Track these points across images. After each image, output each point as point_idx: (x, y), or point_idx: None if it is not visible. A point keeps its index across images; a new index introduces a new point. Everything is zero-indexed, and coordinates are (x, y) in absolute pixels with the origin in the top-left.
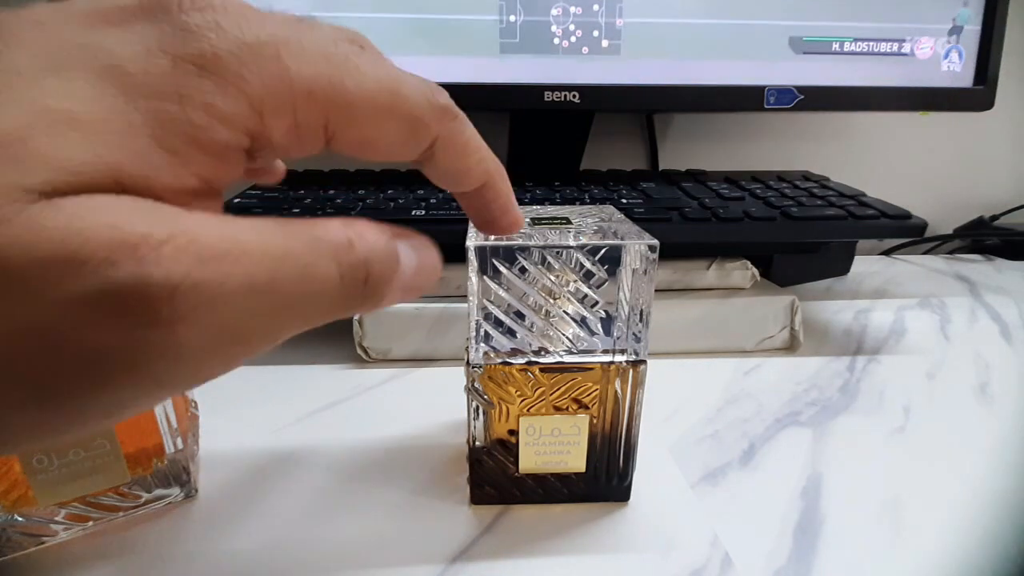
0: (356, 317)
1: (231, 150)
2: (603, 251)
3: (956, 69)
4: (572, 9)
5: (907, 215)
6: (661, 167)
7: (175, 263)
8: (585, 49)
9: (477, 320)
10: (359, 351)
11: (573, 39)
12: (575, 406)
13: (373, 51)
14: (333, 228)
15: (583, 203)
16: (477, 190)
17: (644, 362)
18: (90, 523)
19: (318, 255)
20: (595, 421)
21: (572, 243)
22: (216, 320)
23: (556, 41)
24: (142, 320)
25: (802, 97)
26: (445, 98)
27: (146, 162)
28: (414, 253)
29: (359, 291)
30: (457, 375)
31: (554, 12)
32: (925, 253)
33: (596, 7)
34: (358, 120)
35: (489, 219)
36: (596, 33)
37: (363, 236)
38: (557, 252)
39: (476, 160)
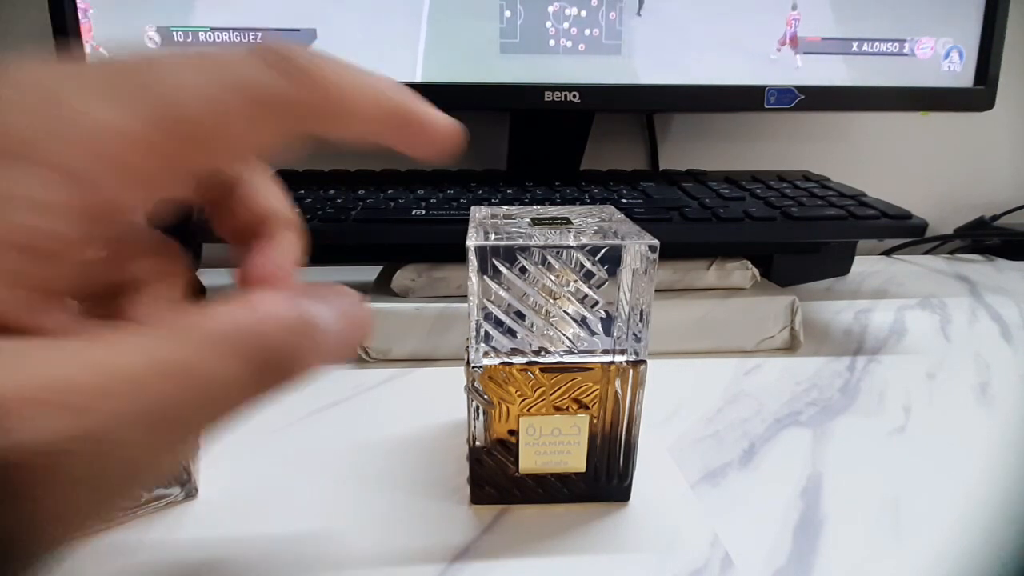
0: None
1: (66, 240)
2: (603, 251)
3: (956, 69)
4: (572, 9)
5: (907, 215)
6: (661, 167)
7: (36, 426)
8: (584, 48)
9: (477, 320)
10: (359, 351)
11: (573, 39)
12: (575, 406)
13: (188, 52)
14: (233, 315)
15: (583, 203)
16: (393, 129)
17: (644, 362)
18: None
19: (215, 353)
20: (595, 421)
21: (572, 243)
22: (101, 469)
23: (556, 41)
24: (9, 496)
25: (802, 97)
26: (292, 52)
27: None
28: (332, 311)
29: (273, 375)
30: (457, 375)
31: (551, 10)
32: (925, 253)
33: (596, 6)
34: (206, 134)
35: (421, 145)
36: (596, 33)
37: (267, 314)
38: (557, 252)
39: (365, 101)
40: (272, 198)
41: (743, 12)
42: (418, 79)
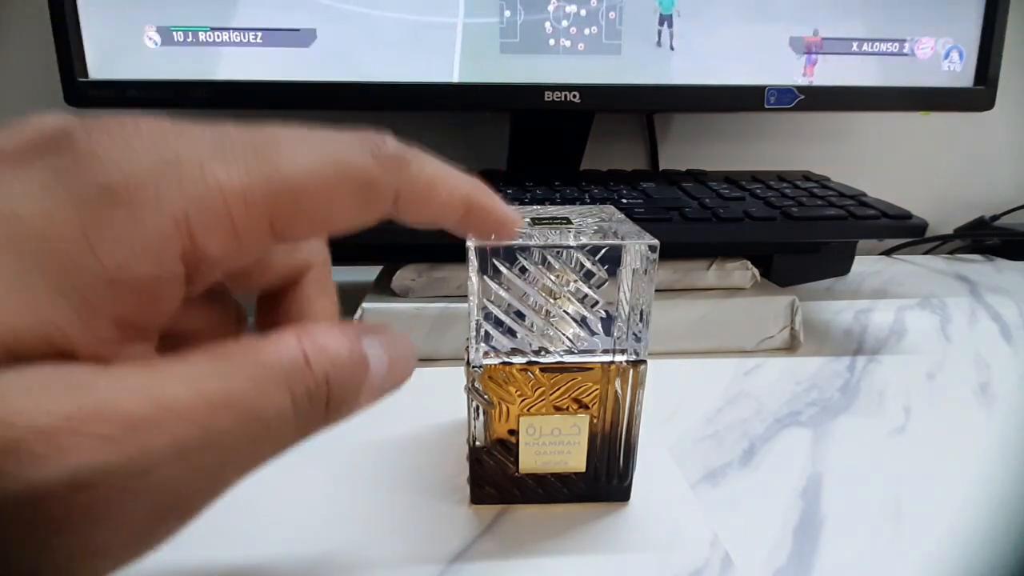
0: (357, 316)
1: (161, 282)
2: (603, 251)
3: (956, 69)
4: (572, 7)
5: (907, 215)
6: (661, 167)
7: (73, 453)
8: (584, 48)
9: (477, 320)
10: None
11: (572, 38)
12: (575, 406)
13: (298, 129)
14: (285, 346)
15: (583, 203)
16: (463, 217)
17: (644, 362)
18: None
19: (266, 387)
20: (595, 421)
21: (572, 243)
22: (138, 504)
23: (556, 40)
24: (41, 527)
25: (802, 97)
26: (392, 144)
27: (47, 321)
28: (384, 353)
29: (320, 415)
30: (457, 375)
31: (550, 8)
32: (925, 253)
33: (596, 6)
34: (305, 205)
35: (487, 233)
36: (596, 32)
37: (323, 349)
38: (557, 252)
39: (447, 193)
40: (321, 312)
41: (744, 11)
42: (455, 79)
